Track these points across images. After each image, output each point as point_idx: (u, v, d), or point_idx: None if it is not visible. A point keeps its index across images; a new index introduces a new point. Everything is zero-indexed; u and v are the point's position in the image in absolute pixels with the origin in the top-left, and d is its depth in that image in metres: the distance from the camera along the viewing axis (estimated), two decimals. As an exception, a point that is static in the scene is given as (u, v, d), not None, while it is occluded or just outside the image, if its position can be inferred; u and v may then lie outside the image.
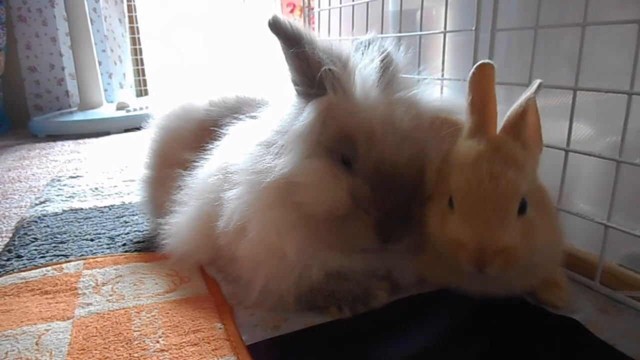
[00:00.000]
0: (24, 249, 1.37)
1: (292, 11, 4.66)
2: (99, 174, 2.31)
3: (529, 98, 0.86)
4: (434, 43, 1.52)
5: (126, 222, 1.58)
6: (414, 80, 1.14)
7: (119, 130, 3.50)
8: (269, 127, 1.03)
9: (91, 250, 1.35)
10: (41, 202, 1.84)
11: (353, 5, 1.81)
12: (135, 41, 4.59)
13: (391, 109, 0.96)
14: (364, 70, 0.99)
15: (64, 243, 1.41)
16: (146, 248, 1.35)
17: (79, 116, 3.62)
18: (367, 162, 0.93)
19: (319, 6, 2.14)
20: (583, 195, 1.20)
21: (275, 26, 0.96)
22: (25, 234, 1.49)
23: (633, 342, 0.86)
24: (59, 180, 2.19)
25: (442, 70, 1.39)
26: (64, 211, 1.71)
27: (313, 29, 2.20)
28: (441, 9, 1.41)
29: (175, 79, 4.56)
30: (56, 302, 1.07)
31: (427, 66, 1.29)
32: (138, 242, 1.41)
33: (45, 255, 1.32)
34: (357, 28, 1.80)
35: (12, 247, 1.38)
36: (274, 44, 1.00)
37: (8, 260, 1.30)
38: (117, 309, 1.03)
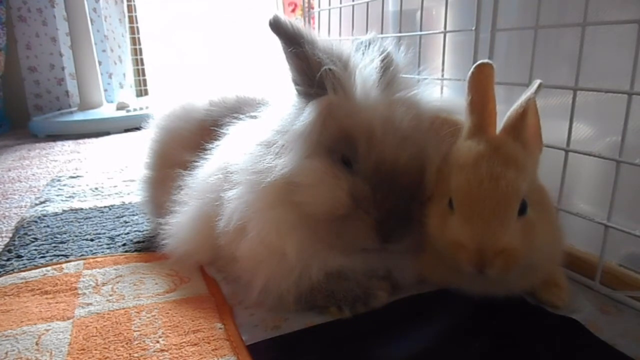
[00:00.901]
0: (24, 249, 1.37)
1: (293, 10, 4.64)
2: (99, 174, 2.31)
3: (529, 98, 0.86)
4: (434, 43, 1.52)
5: (126, 222, 1.58)
6: (414, 80, 1.14)
7: (119, 130, 3.49)
8: (269, 127, 1.03)
9: (91, 250, 1.35)
10: (41, 202, 1.84)
11: (353, 5, 1.81)
12: (135, 41, 4.59)
13: (391, 109, 0.96)
14: (364, 70, 0.98)
15: (64, 243, 1.41)
16: (146, 248, 1.35)
17: (79, 116, 3.62)
18: (367, 162, 0.94)
19: (319, 6, 2.14)
20: (583, 195, 1.20)
21: (276, 26, 0.97)
22: (25, 234, 1.48)
23: (633, 342, 0.86)
24: (59, 180, 2.19)
25: (442, 70, 1.39)
26: (64, 211, 1.71)
27: (313, 29, 2.20)
28: (441, 9, 1.41)
29: (175, 79, 4.56)
30: (56, 302, 1.07)
31: (427, 66, 1.29)
32: (138, 242, 1.41)
33: (45, 255, 1.32)
34: (357, 28, 1.80)
35: (12, 247, 1.38)
36: (275, 44, 1.00)
37: (8, 260, 1.30)
38: (117, 309, 1.03)
